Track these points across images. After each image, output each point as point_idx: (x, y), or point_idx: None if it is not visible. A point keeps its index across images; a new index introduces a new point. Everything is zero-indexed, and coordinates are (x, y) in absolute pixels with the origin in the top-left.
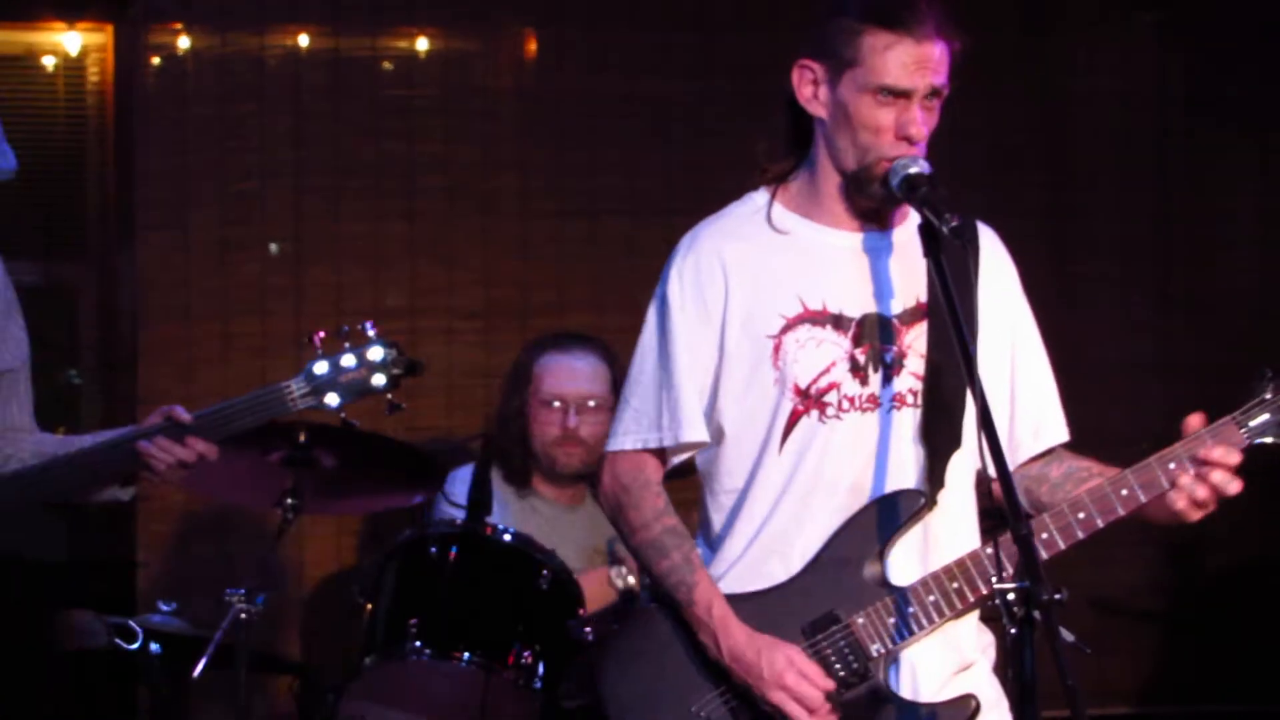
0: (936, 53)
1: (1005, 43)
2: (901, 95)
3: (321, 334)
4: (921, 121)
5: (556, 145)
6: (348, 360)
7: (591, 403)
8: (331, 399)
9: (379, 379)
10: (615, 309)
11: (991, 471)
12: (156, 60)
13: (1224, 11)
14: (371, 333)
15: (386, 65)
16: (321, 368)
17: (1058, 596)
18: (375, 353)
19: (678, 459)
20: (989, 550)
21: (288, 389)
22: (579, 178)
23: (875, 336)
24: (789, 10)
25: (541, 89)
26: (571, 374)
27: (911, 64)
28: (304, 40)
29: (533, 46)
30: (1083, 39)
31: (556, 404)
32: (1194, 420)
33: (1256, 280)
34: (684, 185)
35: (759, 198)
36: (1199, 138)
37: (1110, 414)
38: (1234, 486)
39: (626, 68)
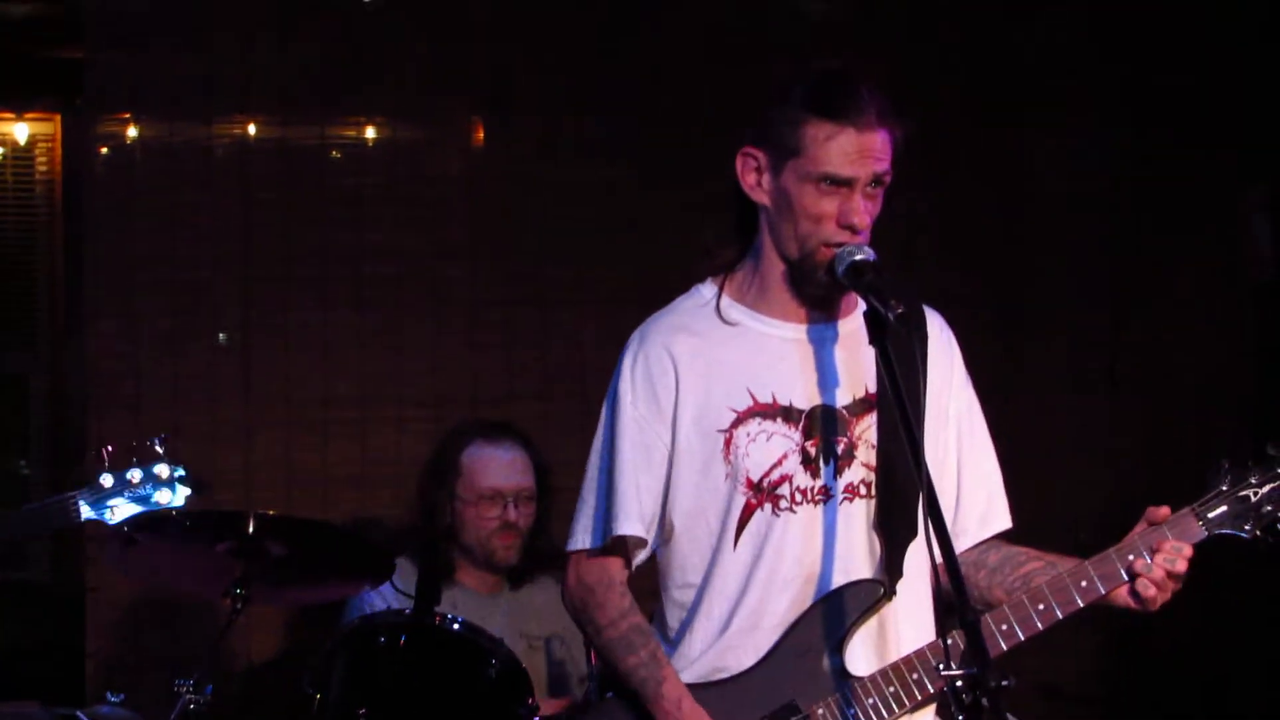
0: (879, 141)
1: (956, 128)
2: (844, 184)
3: (110, 448)
4: (864, 210)
5: (505, 233)
6: (134, 475)
7: (526, 494)
8: (115, 513)
9: (163, 495)
10: (564, 397)
11: (939, 558)
12: (105, 150)
13: (1177, 104)
14: (160, 449)
15: (335, 154)
16: (108, 481)
17: (1005, 683)
18: (162, 470)
19: (640, 556)
20: (950, 641)
21: (72, 501)
22: (528, 266)
23: (825, 428)
24: (736, 98)
25: (490, 177)
26: (507, 467)
27: (854, 153)
28: (252, 129)
29: (480, 134)
30: (1035, 126)
31: (496, 499)
32: (1158, 512)
33: (1206, 364)
34: (633, 274)
35: (706, 290)
36: (1149, 222)
37: (1058, 497)
38: (1181, 564)
39: (574, 155)
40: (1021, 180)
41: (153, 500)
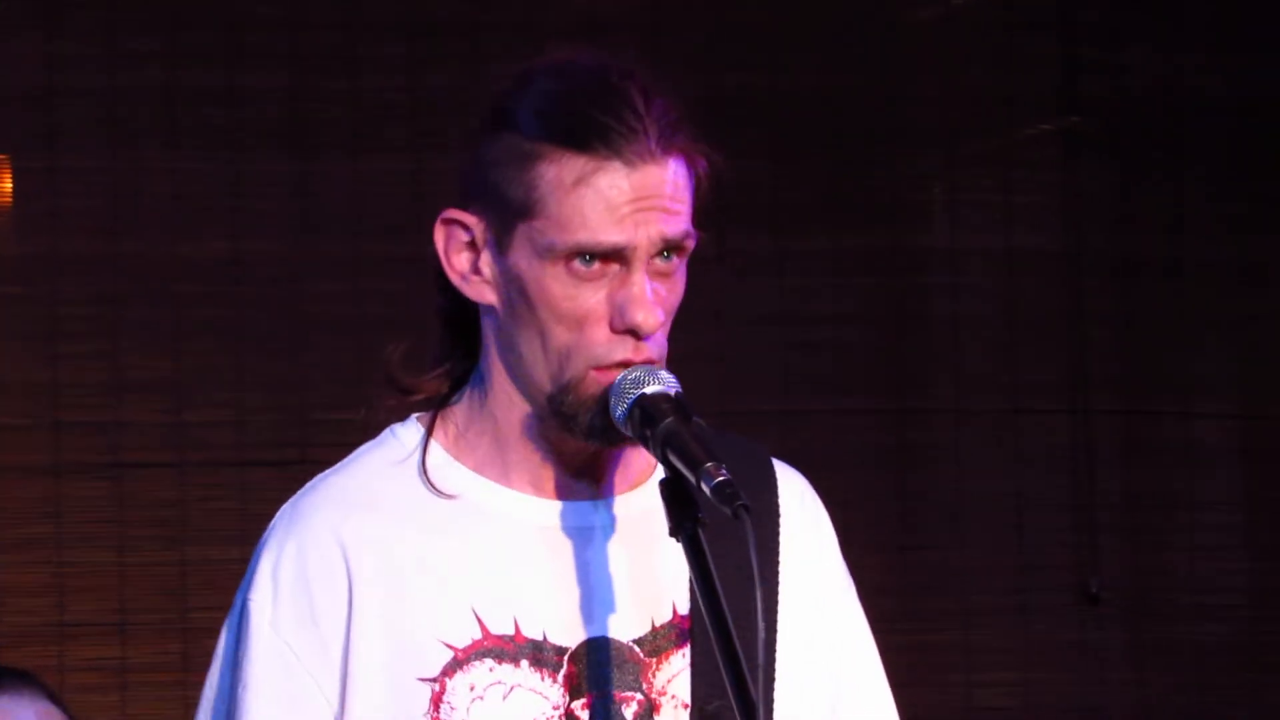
0: (668, 180)
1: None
2: (613, 258)
3: None
4: (654, 300)
5: None
6: None
7: None
8: None
9: None
10: None
11: None
12: None
13: None
14: None
15: None
16: None
17: None
18: None
19: None
20: None
21: None
22: None
23: (603, 677)
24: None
25: None
26: None
27: (625, 205)
28: None
29: None
30: None
31: None
32: None
33: None
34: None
35: (407, 435)
36: None
37: None
38: None
39: None
40: None
41: None
